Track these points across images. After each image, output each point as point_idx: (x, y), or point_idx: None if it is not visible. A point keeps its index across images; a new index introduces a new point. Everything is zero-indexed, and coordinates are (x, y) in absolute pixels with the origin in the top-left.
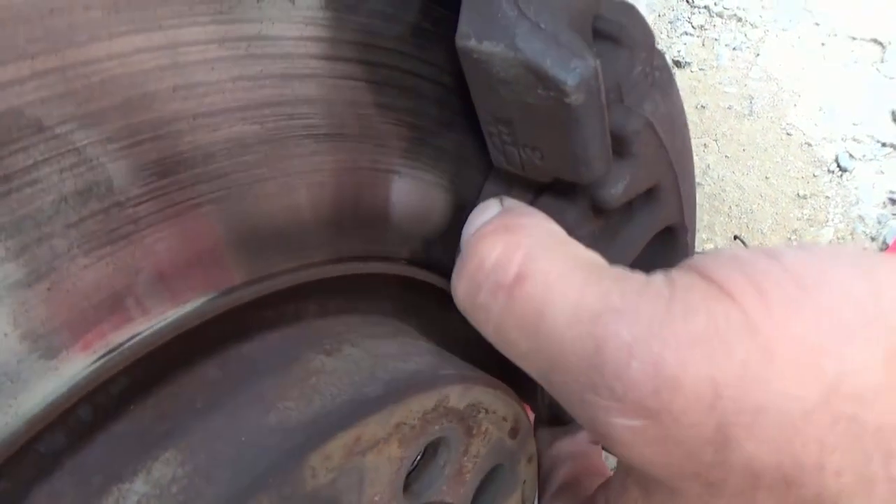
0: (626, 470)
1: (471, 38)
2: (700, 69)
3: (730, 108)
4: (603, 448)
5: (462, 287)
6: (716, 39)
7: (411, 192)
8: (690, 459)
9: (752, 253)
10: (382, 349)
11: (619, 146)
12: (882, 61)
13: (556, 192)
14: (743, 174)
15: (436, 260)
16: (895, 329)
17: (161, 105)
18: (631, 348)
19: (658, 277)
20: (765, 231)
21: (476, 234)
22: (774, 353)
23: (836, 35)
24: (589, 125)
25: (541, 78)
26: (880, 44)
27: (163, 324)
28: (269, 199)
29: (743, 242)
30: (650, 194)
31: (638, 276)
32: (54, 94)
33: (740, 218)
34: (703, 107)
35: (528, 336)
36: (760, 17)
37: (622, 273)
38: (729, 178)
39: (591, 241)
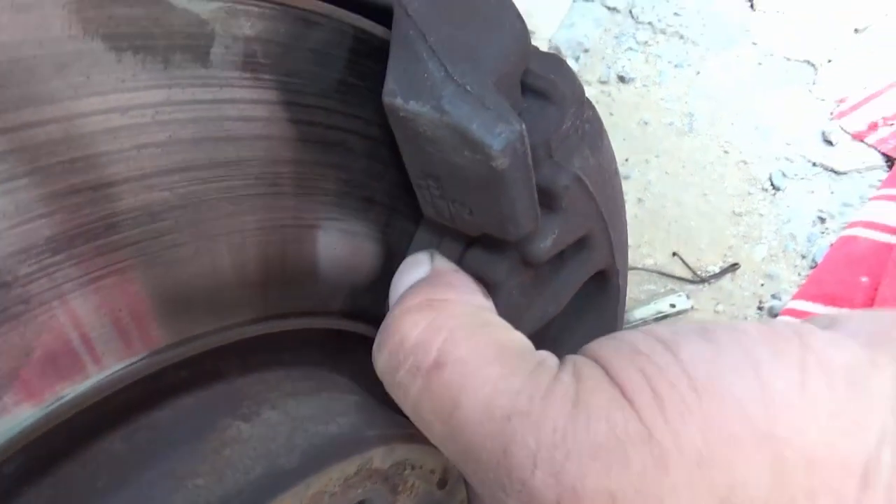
0: None
1: (397, 96)
2: (643, 85)
3: (671, 124)
4: None
5: (382, 361)
6: (659, 56)
7: (339, 246)
8: None
9: (653, 344)
10: (303, 410)
11: (549, 200)
12: (814, 83)
13: (487, 244)
14: (682, 190)
15: (365, 310)
16: (782, 439)
17: (56, 179)
18: (535, 456)
19: (567, 373)
20: (702, 247)
21: (400, 306)
22: (668, 465)
23: (772, 55)
24: (515, 187)
25: (467, 141)
26: (812, 65)
27: (59, 403)
28: (183, 264)
29: (682, 259)
30: (581, 242)
31: (549, 369)
32: None
33: (679, 234)
34: (645, 123)
35: (442, 422)
36: (701, 35)
37: (536, 365)
38: (669, 194)
39: (522, 292)
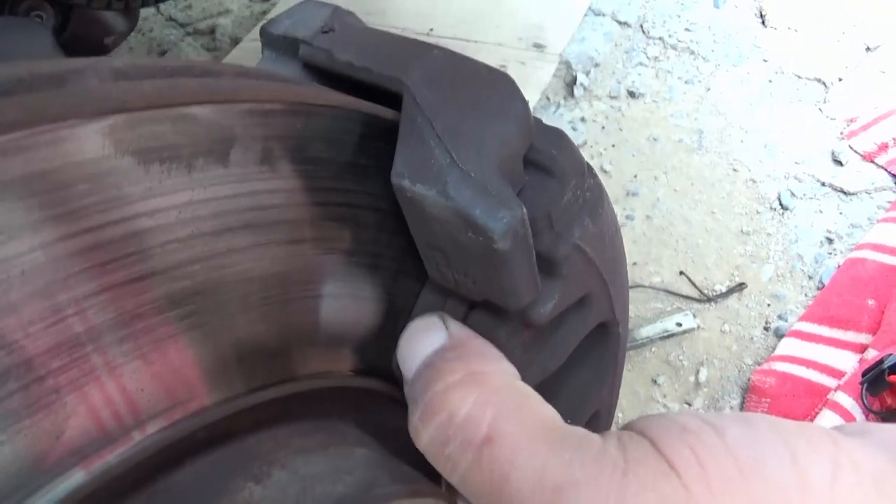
0: None
1: (405, 178)
2: (653, 101)
3: (680, 141)
4: None
5: (428, 435)
6: (669, 72)
7: (347, 310)
8: None
9: (700, 424)
10: (311, 468)
11: (549, 268)
12: (825, 101)
13: (489, 307)
14: (691, 208)
15: (371, 366)
16: None
17: (86, 281)
18: None
19: (612, 445)
20: (709, 266)
21: (442, 381)
22: None
23: (782, 73)
24: (516, 265)
25: (470, 224)
26: (823, 83)
27: (90, 477)
28: (198, 344)
29: (689, 278)
30: (581, 301)
31: (595, 442)
32: None
33: (686, 252)
34: (654, 139)
35: (492, 494)
36: (712, 51)
37: (581, 437)
38: (677, 211)
39: (524, 350)
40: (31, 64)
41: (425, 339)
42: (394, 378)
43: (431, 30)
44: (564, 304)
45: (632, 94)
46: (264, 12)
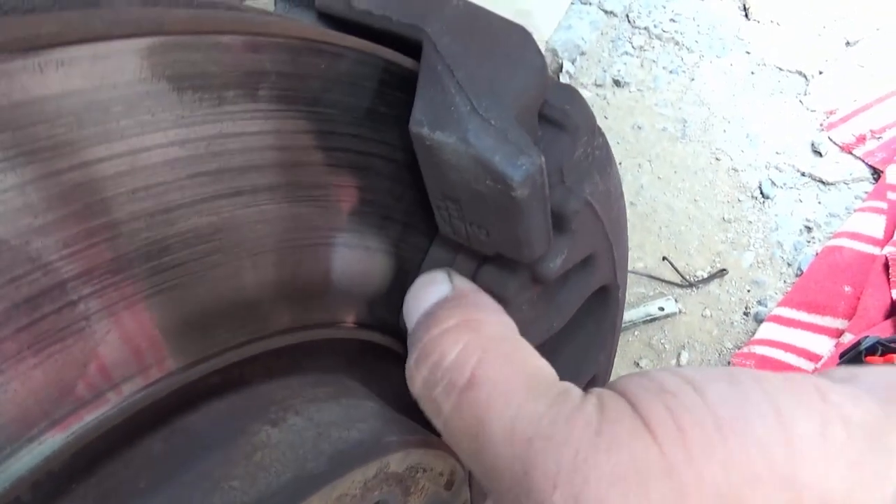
0: None
1: (424, 125)
2: (638, 90)
3: (664, 129)
4: None
5: (420, 379)
6: (654, 61)
7: (357, 261)
8: None
9: (679, 383)
10: (325, 416)
11: (560, 223)
12: (805, 93)
13: (499, 262)
14: (673, 196)
15: (379, 320)
16: (802, 483)
17: (119, 207)
18: (555, 479)
19: (591, 403)
20: (691, 252)
21: (438, 326)
22: (687, 499)
23: (765, 65)
24: (532, 214)
25: (489, 172)
26: (804, 76)
27: (112, 410)
28: (219, 283)
29: (671, 264)
30: (586, 261)
31: (573, 398)
32: (12, 208)
33: (669, 238)
34: (639, 127)
35: (470, 440)
36: (696, 41)
37: (561, 392)
38: (660, 199)
39: (531, 307)
40: None
41: (430, 291)
42: (399, 333)
43: None
44: (572, 260)
45: (617, 83)
46: None
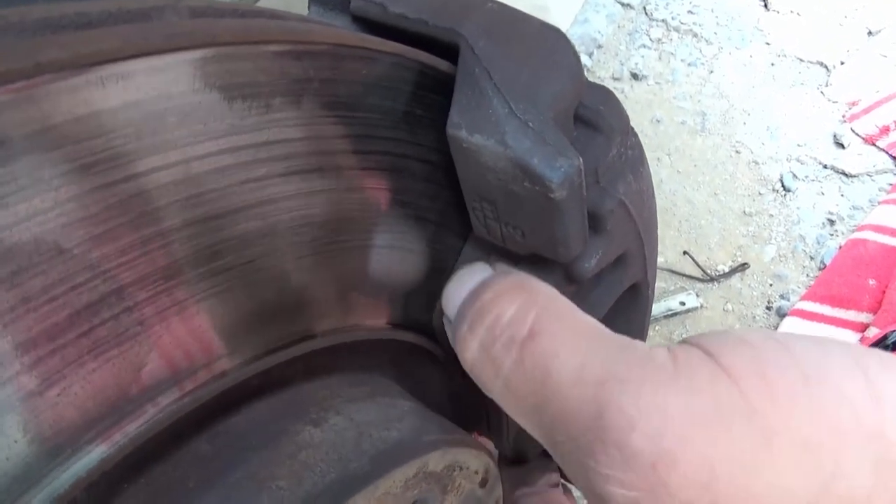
0: None
1: (462, 128)
2: (656, 83)
3: (683, 123)
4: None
5: (475, 343)
6: (672, 54)
7: (393, 263)
8: None
9: (762, 338)
10: (364, 415)
11: (595, 223)
12: (826, 84)
13: (533, 261)
14: (694, 189)
15: (412, 319)
16: (889, 440)
17: (173, 215)
18: (633, 419)
19: (661, 351)
20: (712, 246)
21: (491, 290)
22: (772, 443)
23: (785, 56)
24: (570, 215)
25: (528, 173)
26: (825, 67)
27: (162, 413)
28: (264, 286)
29: (692, 258)
30: (618, 260)
31: (641, 347)
32: (74, 219)
33: (689, 233)
34: (658, 121)
35: (534, 392)
36: (715, 33)
37: (626, 342)
38: (680, 192)
39: None
40: (121, 0)
41: (471, 277)
42: (429, 332)
43: None
44: (607, 259)
45: (635, 76)
46: None
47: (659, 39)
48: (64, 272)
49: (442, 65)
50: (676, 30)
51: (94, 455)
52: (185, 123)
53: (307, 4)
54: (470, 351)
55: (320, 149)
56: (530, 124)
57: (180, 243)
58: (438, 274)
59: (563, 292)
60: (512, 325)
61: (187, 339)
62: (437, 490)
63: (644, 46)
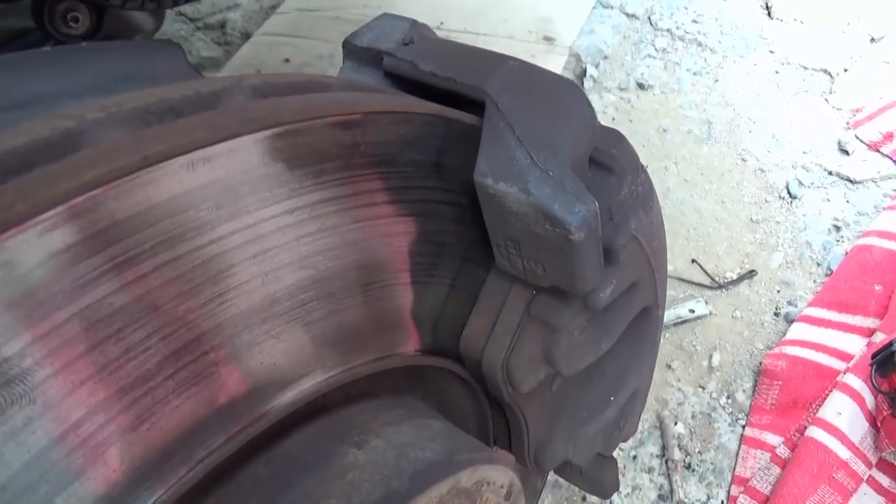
0: None
1: (488, 176)
2: (662, 92)
3: (690, 132)
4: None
5: None
6: (677, 63)
7: (427, 296)
8: None
9: None
10: (401, 437)
11: (609, 257)
12: (831, 92)
13: (553, 292)
14: (701, 198)
15: (441, 345)
16: None
17: (243, 270)
18: None
19: None
20: (720, 254)
21: None
22: None
23: (789, 64)
24: (587, 253)
25: (549, 218)
26: (829, 74)
27: (228, 442)
28: (314, 326)
29: (700, 266)
30: (631, 287)
31: None
32: (167, 279)
33: (697, 241)
34: (664, 130)
35: None
36: (719, 42)
37: None
38: (687, 201)
39: (582, 331)
40: (192, 84)
41: None
42: (455, 355)
43: (442, 23)
44: (620, 289)
45: (641, 86)
46: (273, 6)
47: (664, 49)
48: (157, 325)
49: (468, 118)
50: (681, 39)
51: (173, 481)
52: (255, 192)
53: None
54: None
55: (364, 202)
56: (550, 173)
57: (248, 294)
58: (463, 302)
59: (581, 319)
60: None
61: (249, 377)
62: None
63: (649, 56)
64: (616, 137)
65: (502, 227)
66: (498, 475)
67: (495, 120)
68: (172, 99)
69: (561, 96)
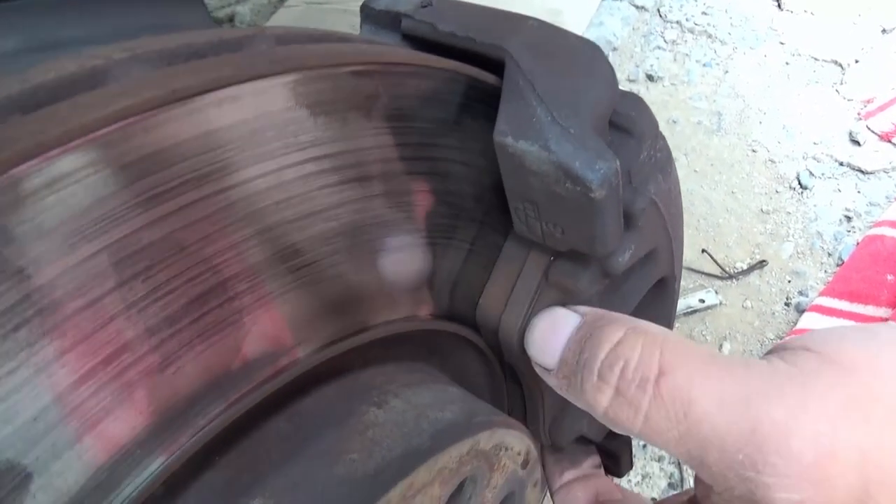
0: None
1: (508, 135)
2: (672, 84)
3: (699, 123)
4: None
5: (609, 391)
6: (687, 55)
7: (442, 259)
8: None
9: (857, 334)
10: (419, 399)
11: (628, 221)
12: (841, 83)
13: (571, 257)
14: (711, 189)
15: (457, 311)
16: None
17: (267, 216)
18: (788, 426)
19: (779, 363)
20: (730, 245)
21: (609, 341)
22: None
23: (799, 55)
24: (607, 213)
25: (570, 176)
26: (840, 65)
27: (249, 394)
28: (334, 281)
29: (711, 256)
30: (648, 255)
31: (759, 364)
32: (193, 219)
33: (707, 231)
34: (674, 121)
35: (678, 423)
36: (729, 34)
37: (744, 361)
38: (698, 191)
39: (599, 298)
40: (216, 31)
41: (560, 325)
42: (472, 323)
43: None
44: (638, 254)
45: (650, 78)
46: (281, 0)
47: (674, 41)
48: (183, 266)
49: (489, 78)
50: (691, 31)
51: (196, 430)
52: (280, 137)
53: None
54: (604, 399)
55: (384, 156)
56: (571, 130)
57: (272, 241)
58: (481, 268)
59: (598, 285)
60: (641, 366)
61: (272, 328)
62: (486, 467)
63: (659, 48)
64: (635, 101)
65: (521, 189)
66: (515, 441)
67: (516, 78)
68: (197, 43)
69: (581, 56)
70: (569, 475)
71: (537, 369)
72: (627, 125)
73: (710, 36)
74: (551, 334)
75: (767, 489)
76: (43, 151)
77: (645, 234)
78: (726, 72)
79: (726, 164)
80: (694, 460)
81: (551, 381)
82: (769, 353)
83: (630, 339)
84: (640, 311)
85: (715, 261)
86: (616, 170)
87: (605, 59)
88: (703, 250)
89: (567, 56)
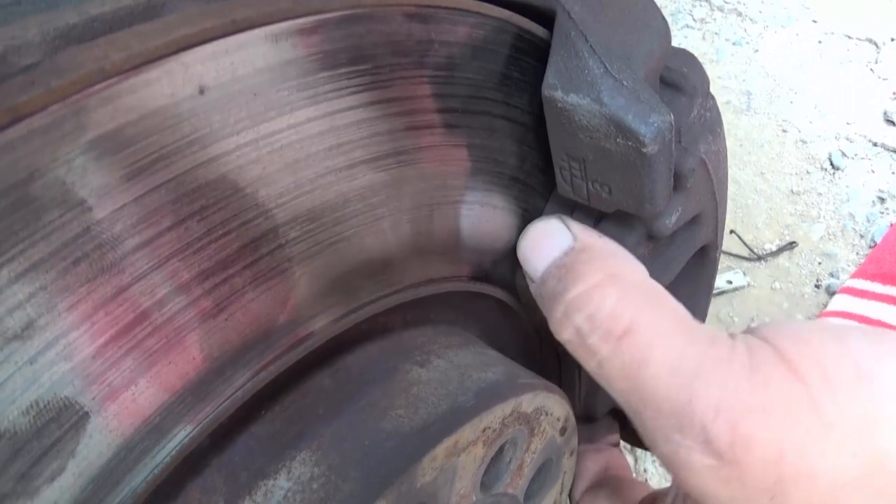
0: (684, 494)
1: (557, 89)
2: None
3: (728, 102)
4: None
5: (572, 328)
6: (716, 33)
7: (484, 219)
8: (748, 500)
9: (822, 335)
10: (462, 359)
11: (677, 180)
12: (876, 62)
13: (615, 219)
14: (740, 169)
15: (500, 276)
16: None
17: (317, 162)
18: (718, 407)
19: (741, 347)
20: (759, 226)
21: (585, 282)
22: (832, 430)
23: (832, 33)
24: (659, 170)
25: (622, 130)
26: (875, 44)
27: (294, 348)
28: (367, 240)
29: (739, 237)
30: (693, 220)
31: (725, 341)
32: (248, 161)
33: (736, 212)
34: None
35: (627, 378)
36: (760, 12)
37: (712, 335)
38: None
39: (642, 262)
40: None
41: (551, 240)
42: (512, 287)
43: None
44: (685, 217)
45: None
46: None
47: (702, 19)
48: (238, 208)
49: (538, 30)
50: (720, 9)
51: (245, 380)
52: (333, 80)
53: None
54: (565, 334)
55: (435, 107)
56: (625, 83)
57: (322, 189)
58: (518, 229)
59: (643, 249)
60: (609, 319)
61: (318, 280)
62: (527, 431)
63: (687, 27)
64: (688, 57)
65: (569, 146)
66: (555, 406)
67: (567, 29)
68: None
69: (635, 8)
70: (583, 447)
71: (526, 278)
72: (679, 81)
73: (739, 14)
74: (539, 249)
75: (688, 451)
76: (106, 77)
77: (692, 196)
78: (756, 50)
79: (756, 144)
80: (632, 411)
81: (533, 289)
82: (746, 330)
83: (605, 287)
84: (679, 280)
85: (743, 241)
86: (670, 124)
87: (658, 10)
88: (732, 231)
89: (619, 7)
